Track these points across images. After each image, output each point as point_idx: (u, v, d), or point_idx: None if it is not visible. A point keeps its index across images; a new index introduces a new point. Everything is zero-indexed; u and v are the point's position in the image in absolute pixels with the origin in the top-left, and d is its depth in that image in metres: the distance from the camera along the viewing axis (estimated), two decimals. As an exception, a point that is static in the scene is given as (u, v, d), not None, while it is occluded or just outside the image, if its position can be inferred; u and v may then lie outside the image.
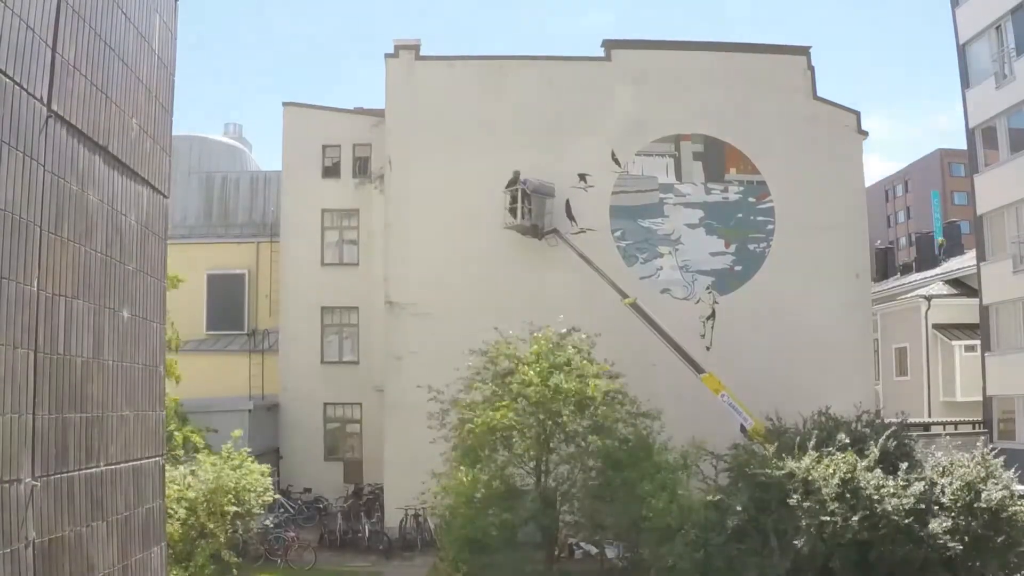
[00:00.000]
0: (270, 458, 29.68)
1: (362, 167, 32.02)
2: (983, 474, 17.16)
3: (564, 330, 20.56)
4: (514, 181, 25.86)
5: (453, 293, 26.10)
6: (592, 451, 19.38)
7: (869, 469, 16.58)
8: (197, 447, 22.41)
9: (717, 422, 23.26)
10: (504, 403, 19.01)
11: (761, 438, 20.37)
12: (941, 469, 17.73)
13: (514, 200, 25.84)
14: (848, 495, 16.20)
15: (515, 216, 25.80)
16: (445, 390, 19.82)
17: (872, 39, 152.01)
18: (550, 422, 19.26)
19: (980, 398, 32.82)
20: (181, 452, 21.42)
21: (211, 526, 19.66)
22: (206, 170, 37.24)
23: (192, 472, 20.07)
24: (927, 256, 49.15)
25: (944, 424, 32.90)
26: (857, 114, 28.57)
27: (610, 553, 20.98)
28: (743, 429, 22.54)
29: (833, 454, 17.17)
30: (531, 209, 25.80)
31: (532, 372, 19.22)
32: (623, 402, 19.72)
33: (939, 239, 50.85)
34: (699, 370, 23.92)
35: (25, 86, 5.04)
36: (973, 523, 16.27)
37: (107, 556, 6.05)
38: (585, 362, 19.89)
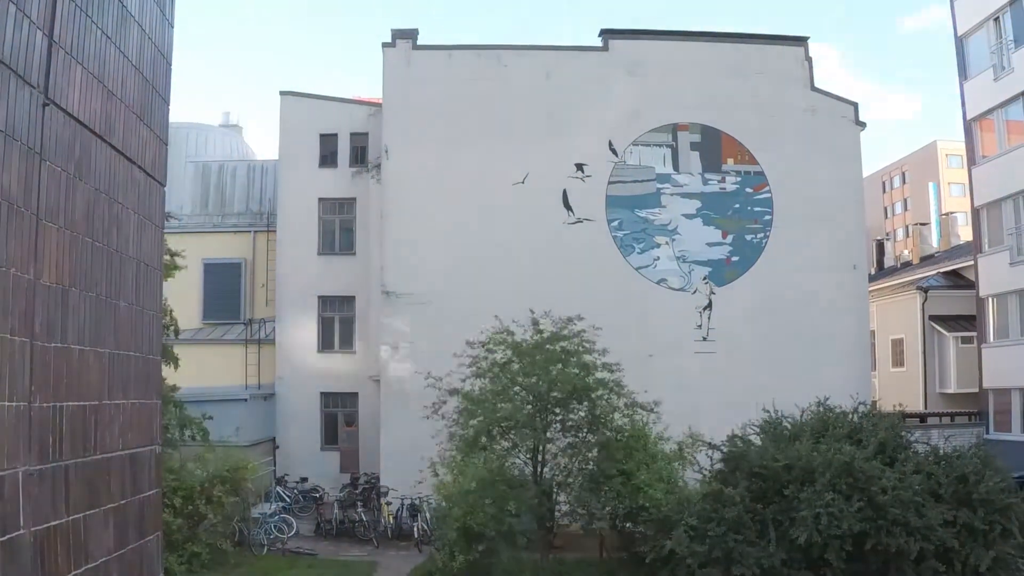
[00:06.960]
0: (267, 447, 29.71)
1: (359, 156, 31.95)
2: (979, 466, 17.19)
3: (566, 318, 20.47)
4: None
5: (450, 282, 26.11)
6: (589, 441, 19.41)
7: (867, 460, 16.60)
8: (194, 436, 22.40)
9: (713, 413, 23.35)
10: (502, 391, 19.05)
11: None
12: (938, 461, 17.76)
13: None
14: (845, 486, 16.22)
15: None
16: (444, 379, 19.81)
17: (871, 29, 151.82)
18: (548, 412, 19.27)
19: (976, 390, 32.91)
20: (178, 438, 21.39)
21: (209, 515, 19.68)
22: (203, 159, 37.15)
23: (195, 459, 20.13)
24: (924, 247, 49.14)
25: (940, 416, 33.06)
26: (855, 105, 28.55)
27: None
28: None
29: (830, 445, 17.18)
30: None
31: (530, 361, 19.23)
32: (620, 393, 19.70)
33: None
34: None
35: (21, 74, 5.02)
36: (969, 514, 16.31)
37: (103, 544, 6.06)
38: (584, 352, 19.85)
